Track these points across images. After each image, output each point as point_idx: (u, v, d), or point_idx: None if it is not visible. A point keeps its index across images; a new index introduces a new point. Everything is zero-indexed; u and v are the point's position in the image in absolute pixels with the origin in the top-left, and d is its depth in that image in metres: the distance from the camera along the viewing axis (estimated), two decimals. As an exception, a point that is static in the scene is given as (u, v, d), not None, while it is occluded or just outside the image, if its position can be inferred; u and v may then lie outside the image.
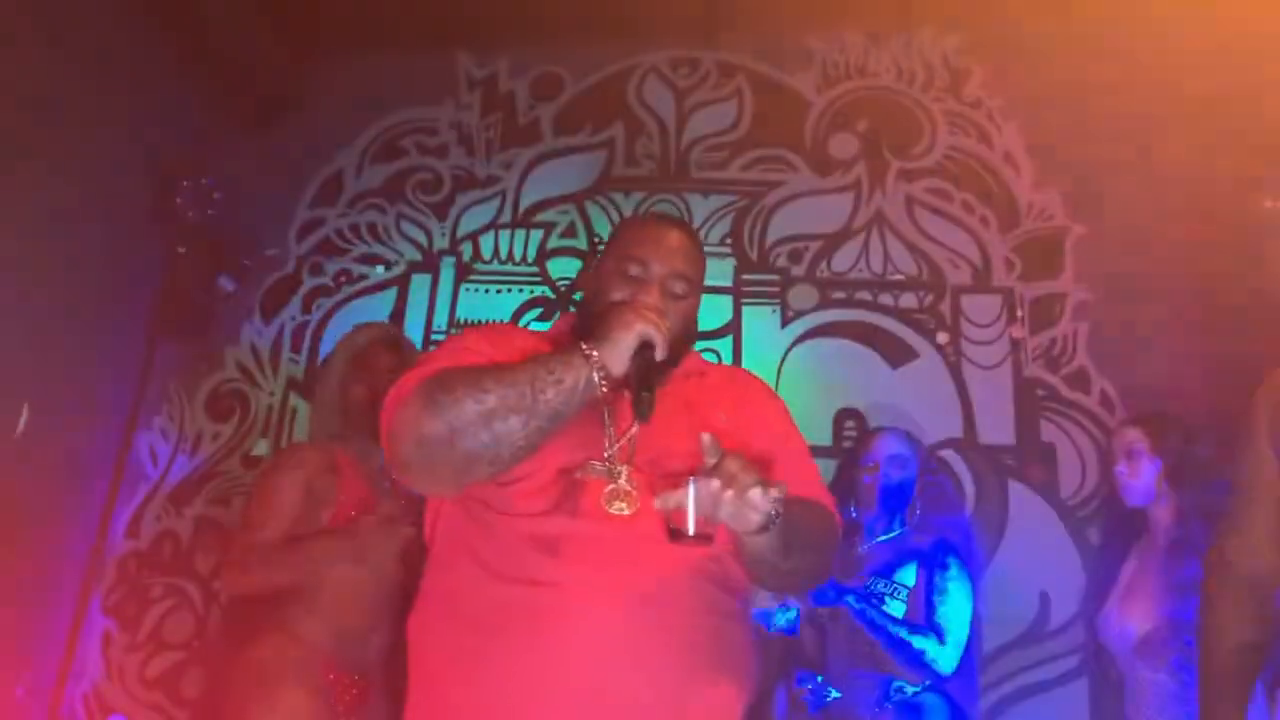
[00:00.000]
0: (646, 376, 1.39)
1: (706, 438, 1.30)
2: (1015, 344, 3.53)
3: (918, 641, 2.56)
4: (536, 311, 3.79)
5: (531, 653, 1.35)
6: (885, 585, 2.66)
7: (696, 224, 3.86)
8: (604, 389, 1.38)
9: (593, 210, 3.95)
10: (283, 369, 3.86)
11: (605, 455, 1.47)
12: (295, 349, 3.89)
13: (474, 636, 1.39)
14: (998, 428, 3.45)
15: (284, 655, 2.36)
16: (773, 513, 1.27)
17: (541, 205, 3.99)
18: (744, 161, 3.95)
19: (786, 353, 3.63)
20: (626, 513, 1.42)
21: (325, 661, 2.39)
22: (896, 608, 2.64)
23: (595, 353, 1.38)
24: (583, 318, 1.62)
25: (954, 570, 2.69)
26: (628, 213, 3.91)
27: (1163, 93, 3.44)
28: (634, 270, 1.57)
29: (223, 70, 3.86)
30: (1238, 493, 1.78)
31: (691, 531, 1.27)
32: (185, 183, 3.75)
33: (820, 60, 4.03)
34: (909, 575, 2.69)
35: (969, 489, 3.38)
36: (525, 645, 1.35)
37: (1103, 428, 3.35)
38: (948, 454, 3.42)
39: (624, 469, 1.45)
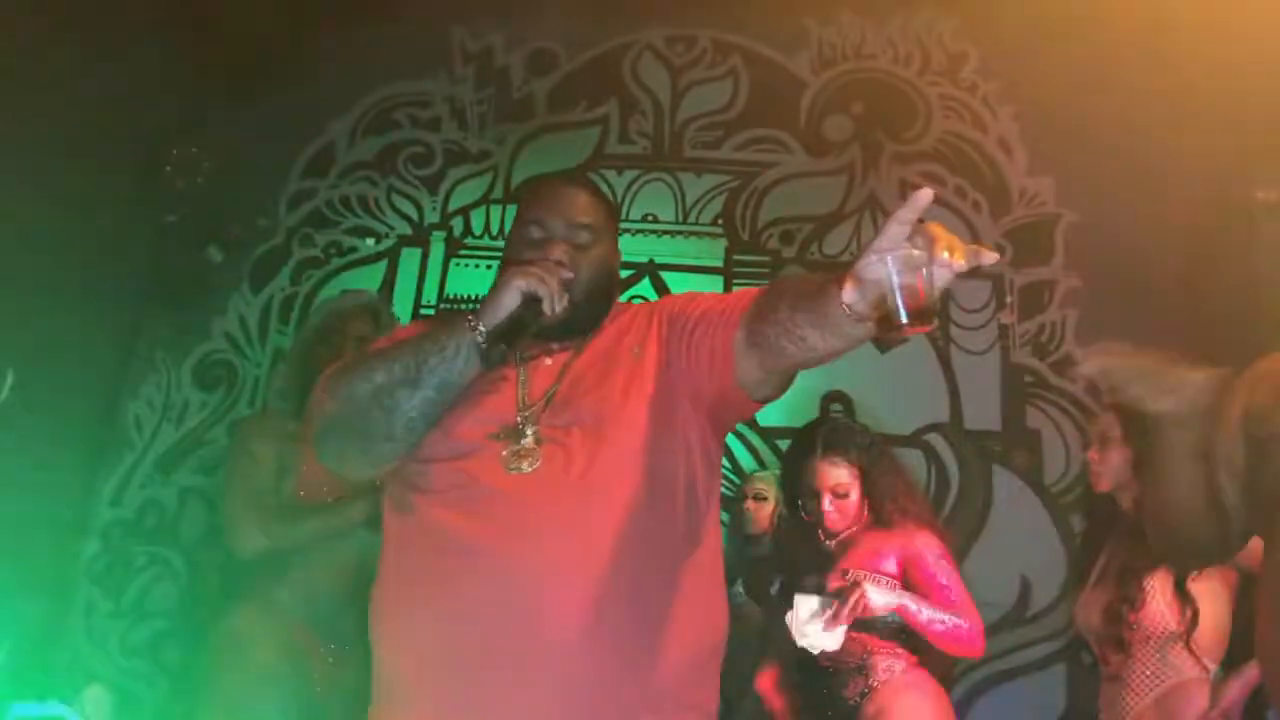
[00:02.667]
0: (511, 331, 1.40)
1: (924, 192, 1.15)
2: (1004, 330, 3.54)
3: (965, 623, 2.48)
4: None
5: (449, 620, 1.35)
6: (868, 577, 2.61)
7: (689, 204, 3.85)
8: (483, 348, 1.40)
9: (585, 187, 3.93)
10: (271, 340, 3.85)
11: (517, 420, 1.46)
12: (284, 320, 3.88)
13: (404, 608, 1.42)
14: (984, 413, 3.47)
15: (257, 622, 2.37)
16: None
17: (534, 181, 3.97)
18: (738, 141, 3.93)
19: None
20: (526, 471, 1.40)
21: (298, 628, 2.40)
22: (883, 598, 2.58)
23: (478, 321, 1.40)
24: None
25: (938, 550, 2.63)
26: (621, 190, 3.90)
27: (1157, 82, 3.44)
28: (534, 233, 1.56)
29: (215, 39, 3.82)
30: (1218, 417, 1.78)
31: (904, 317, 1.10)
32: (175, 151, 3.73)
33: (817, 41, 4.01)
34: (889, 564, 2.63)
35: (953, 473, 3.40)
36: (446, 612, 1.36)
37: (1089, 414, 3.36)
38: (933, 438, 3.43)
39: (530, 429, 1.44)
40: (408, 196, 4.01)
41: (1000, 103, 3.81)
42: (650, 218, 3.85)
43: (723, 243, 3.79)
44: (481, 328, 1.40)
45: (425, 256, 3.90)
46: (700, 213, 3.84)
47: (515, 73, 4.16)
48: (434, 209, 3.99)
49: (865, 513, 2.68)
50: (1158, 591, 2.36)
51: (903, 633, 2.56)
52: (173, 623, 3.48)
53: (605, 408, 1.43)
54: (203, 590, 3.45)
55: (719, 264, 3.75)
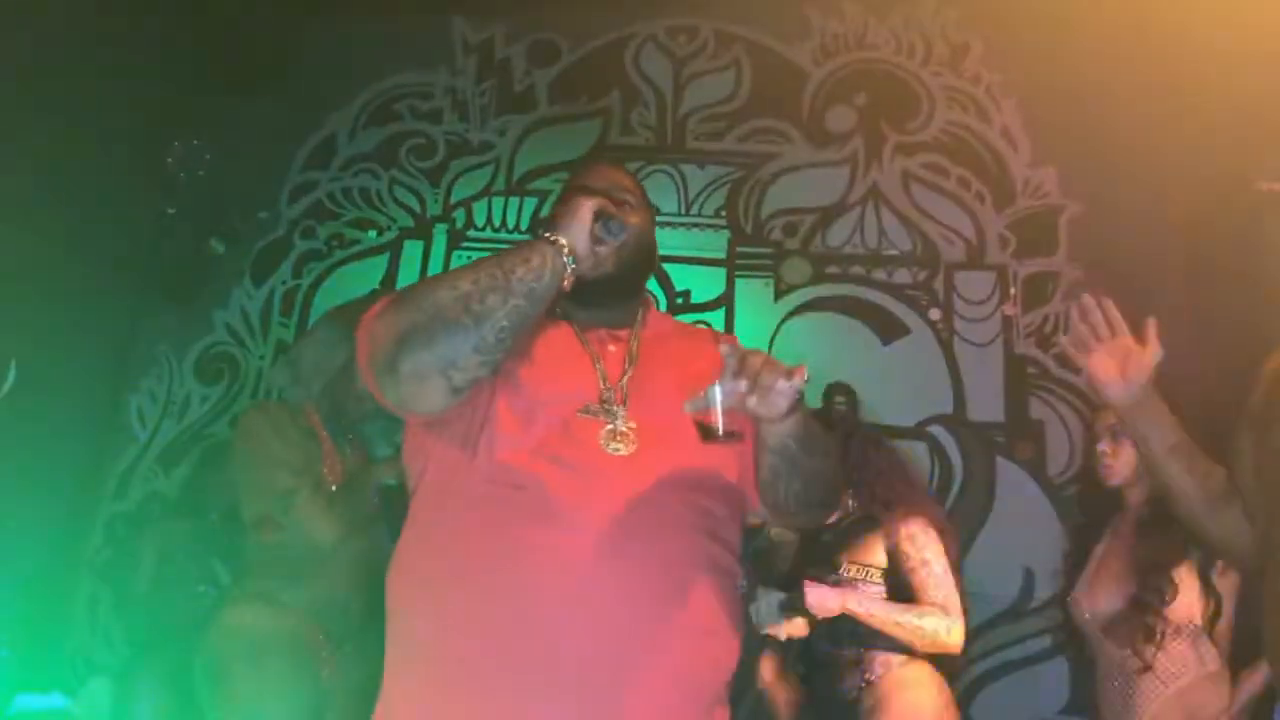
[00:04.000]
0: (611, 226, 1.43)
1: (725, 347, 1.32)
2: (1007, 321, 3.53)
3: (929, 624, 2.52)
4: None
5: (514, 595, 1.32)
6: (859, 571, 2.60)
7: (692, 195, 3.84)
8: (572, 268, 1.39)
9: (587, 179, 3.92)
10: (272, 332, 3.85)
11: (600, 398, 1.46)
12: (285, 313, 3.88)
13: (457, 583, 1.36)
14: (987, 405, 3.46)
15: (269, 623, 2.32)
16: (799, 393, 1.30)
17: (536, 173, 3.97)
18: (740, 133, 3.92)
19: (779, 326, 3.62)
20: (624, 453, 1.40)
21: (310, 630, 2.36)
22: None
23: (556, 236, 1.40)
24: None
25: (923, 535, 2.60)
26: (622, 182, 3.89)
27: (1161, 72, 3.42)
28: (580, 191, 1.59)
29: (217, 31, 3.82)
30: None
31: (721, 431, 1.30)
32: (177, 143, 3.73)
33: (819, 31, 3.99)
34: (878, 555, 2.61)
35: (957, 465, 3.39)
36: (510, 587, 1.32)
37: (1092, 406, 3.35)
38: (937, 430, 3.42)
39: (621, 410, 1.45)
40: (410, 188, 4.01)
41: (1003, 94, 3.80)
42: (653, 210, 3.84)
43: (726, 235, 3.78)
44: (563, 241, 1.39)
45: (428, 249, 3.90)
46: (703, 205, 3.83)
47: (517, 64, 4.14)
48: (436, 201, 3.98)
49: (853, 504, 2.67)
50: (1185, 584, 2.36)
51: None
52: (175, 616, 3.47)
53: (684, 434, 1.41)
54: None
55: (722, 256, 3.74)
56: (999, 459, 3.39)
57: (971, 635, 3.15)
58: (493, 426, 1.41)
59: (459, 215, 3.94)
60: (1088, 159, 3.58)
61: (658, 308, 1.76)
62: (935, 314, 3.58)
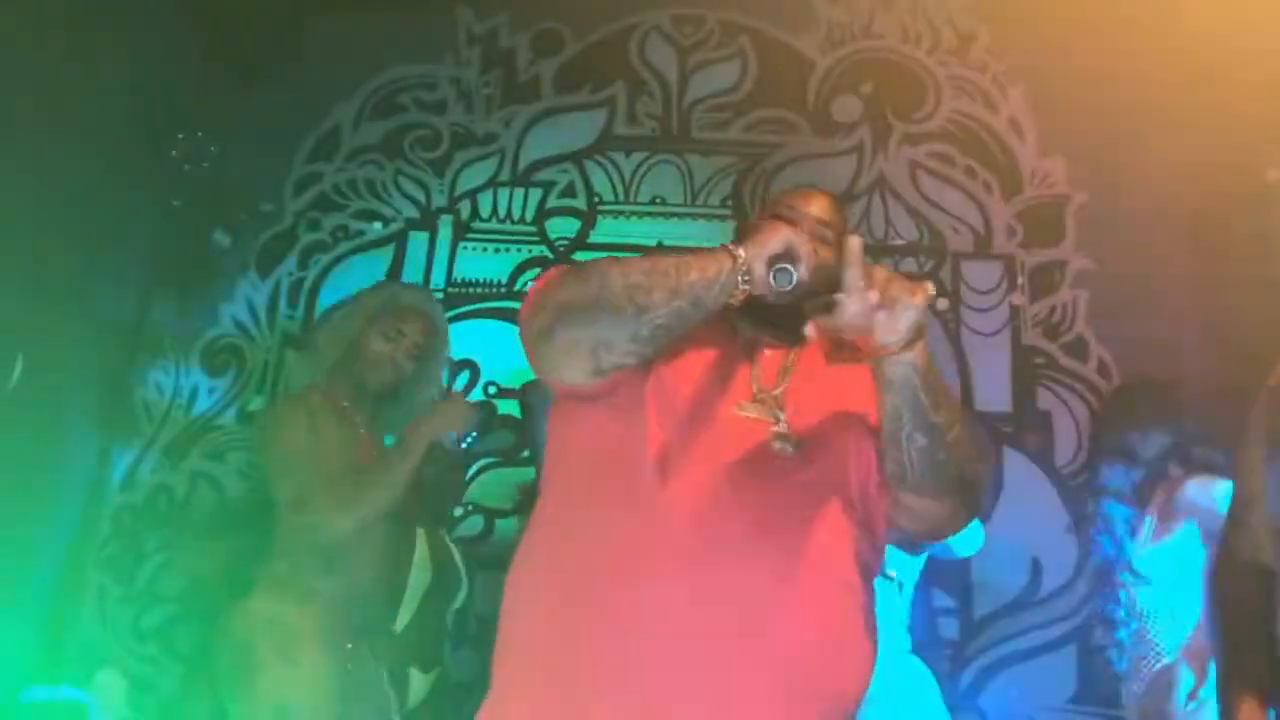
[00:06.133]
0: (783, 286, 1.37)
1: (854, 241, 1.30)
2: (1015, 311, 3.52)
3: None
4: (534, 273, 3.76)
5: (658, 588, 1.29)
6: None
7: (697, 185, 3.83)
8: (744, 287, 1.36)
9: (593, 169, 3.92)
10: (279, 324, 3.85)
11: (757, 399, 1.47)
12: (292, 304, 3.87)
13: (602, 579, 1.33)
14: (995, 395, 3.45)
15: (298, 611, 2.27)
16: (925, 314, 1.28)
17: (541, 164, 3.95)
18: (746, 123, 3.91)
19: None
20: (790, 453, 1.40)
21: (344, 624, 2.32)
22: None
23: (740, 250, 1.37)
24: None
25: None
26: (629, 172, 3.89)
27: (1169, 61, 3.40)
28: (785, 214, 1.60)
29: (220, 22, 3.81)
30: (1239, 489, 1.81)
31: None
32: (181, 135, 3.72)
33: (825, 20, 3.97)
34: None
35: (964, 456, 3.38)
36: (653, 582, 1.30)
37: (1100, 396, 3.35)
38: (944, 420, 3.42)
39: (782, 413, 1.45)
40: (414, 180, 3.99)
41: (1011, 82, 3.78)
42: (658, 200, 3.83)
43: (732, 224, 3.76)
44: (742, 254, 1.36)
45: (433, 240, 3.89)
46: (709, 195, 3.82)
47: (521, 54, 4.13)
48: (441, 192, 3.97)
49: None
50: None
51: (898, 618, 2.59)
52: (184, 607, 3.48)
53: (842, 437, 1.42)
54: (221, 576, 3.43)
55: (728, 246, 3.73)
56: (1006, 449, 3.39)
57: (979, 626, 3.19)
58: (644, 411, 1.41)
59: (464, 206, 3.93)
60: (1096, 148, 3.57)
61: None
62: (942, 304, 3.56)
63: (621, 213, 3.84)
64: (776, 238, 1.38)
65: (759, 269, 1.36)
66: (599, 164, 3.92)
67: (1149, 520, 2.53)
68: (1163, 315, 3.34)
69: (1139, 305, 3.39)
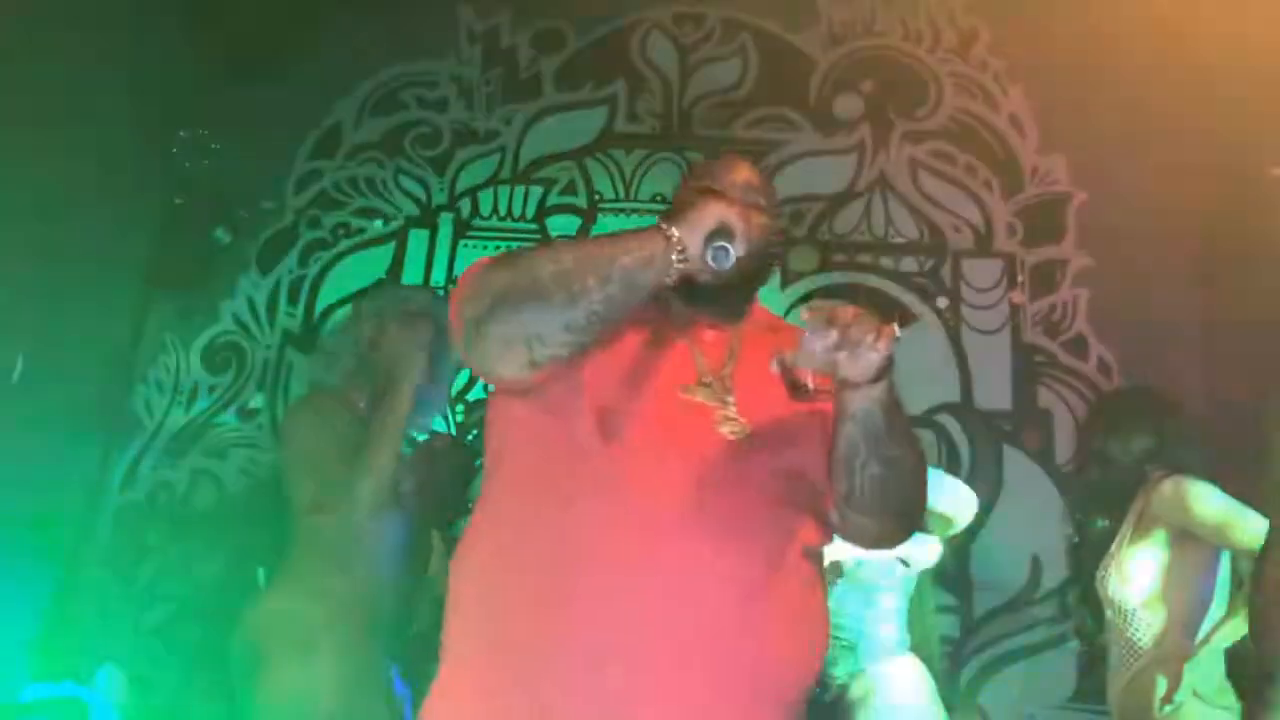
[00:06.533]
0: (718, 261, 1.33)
1: (814, 302, 1.30)
2: (1015, 309, 3.53)
3: None
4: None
5: (647, 580, 1.28)
6: None
7: (698, 183, 3.83)
8: (679, 266, 1.32)
9: (593, 167, 3.92)
10: (279, 322, 3.85)
11: (702, 382, 1.42)
12: (292, 302, 3.88)
13: (571, 564, 1.30)
14: (995, 393, 3.46)
15: (315, 612, 2.25)
16: (890, 353, 1.23)
17: (542, 162, 3.95)
18: (747, 120, 3.91)
19: (786, 314, 3.61)
20: (738, 436, 1.37)
21: (359, 623, 2.30)
22: None
23: (673, 229, 1.32)
24: None
25: None
26: (629, 171, 3.89)
27: (1171, 58, 3.40)
28: (711, 186, 1.53)
29: (221, 20, 3.81)
30: (1272, 510, 1.80)
31: (811, 386, 1.29)
32: (182, 133, 3.72)
33: (826, 18, 3.97)
34: None
35: (964, 453, 3.39)
36: (650, 568, 1.28)
37: (1100, 394, 3.35)
38: (944, 418, 3.42)
39: (730, 396, 1.41)
40: (415, 177, 4.00)
41: (1011, 80, 3.78)
42: (659, 198, 3.83)
43: (732, 223, 3.76)
44: (675, 233, 1.32)
45: (433, 238, 3.89)
46: (709, 193, 3.82)
47: (522, 52, 4.13)
48: (442, 190, 3.97)
49: None
50: None
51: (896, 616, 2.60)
52: (185, 605, 3.49)
53: (787, 429, 1.39)
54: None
55: (728, 244, 3.73)
56: (1006, 447, 3.39)
57: (979, 623, 3.19)
58: (581, 401, 1.37)
59: (465, 204, 3.93)
60: (1097, 146, 3.56)
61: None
62: (942, 302, 3.58)
63: (622, 210, 3.85)
64: (710, 214, 1.33)
65: (695, 248, 1.32)
66: (600, 162, 3.92)
67: (1127, 522, 2.53)
68: (1163, 314, 3.34)
69: (1139, 304, 3.39)
